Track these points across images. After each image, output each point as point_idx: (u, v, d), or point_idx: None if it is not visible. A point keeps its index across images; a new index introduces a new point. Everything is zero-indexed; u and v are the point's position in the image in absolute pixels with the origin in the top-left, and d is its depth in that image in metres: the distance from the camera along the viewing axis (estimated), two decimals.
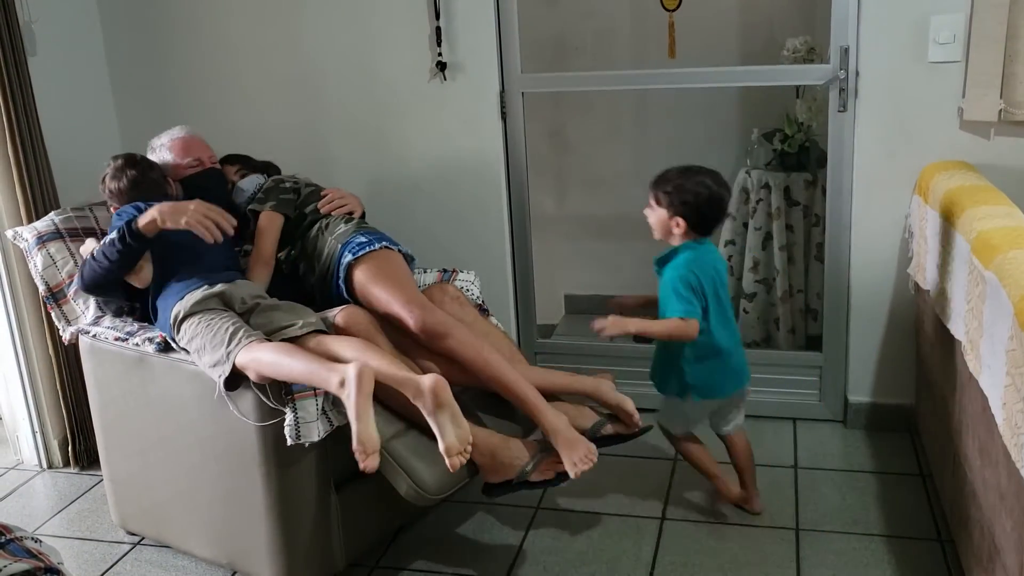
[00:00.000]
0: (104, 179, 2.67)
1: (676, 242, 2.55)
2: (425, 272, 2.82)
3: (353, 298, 2.55)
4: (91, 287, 2.52)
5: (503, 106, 3.17)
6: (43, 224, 2.72)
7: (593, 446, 2.37)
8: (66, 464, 3.19)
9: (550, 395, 2.50)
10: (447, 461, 2.14)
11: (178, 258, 2.51)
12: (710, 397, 2.60)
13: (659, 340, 2.63)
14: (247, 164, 3.00)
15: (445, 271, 2.82)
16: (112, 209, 2.68)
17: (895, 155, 2.86)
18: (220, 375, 2.23)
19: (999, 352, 1.74)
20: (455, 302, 2.62)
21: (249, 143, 3.09)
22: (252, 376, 2.21)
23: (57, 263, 2.66)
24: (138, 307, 2.66)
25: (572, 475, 2.31)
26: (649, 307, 2.59)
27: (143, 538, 2.73)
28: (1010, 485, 1.73)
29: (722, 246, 3.74)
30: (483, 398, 2.48)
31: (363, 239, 2.59)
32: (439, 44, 3.12)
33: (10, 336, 3.07)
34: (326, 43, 3.26)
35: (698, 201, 2.47)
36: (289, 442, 2.20)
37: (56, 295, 2.68)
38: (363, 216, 2.81)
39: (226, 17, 3.34)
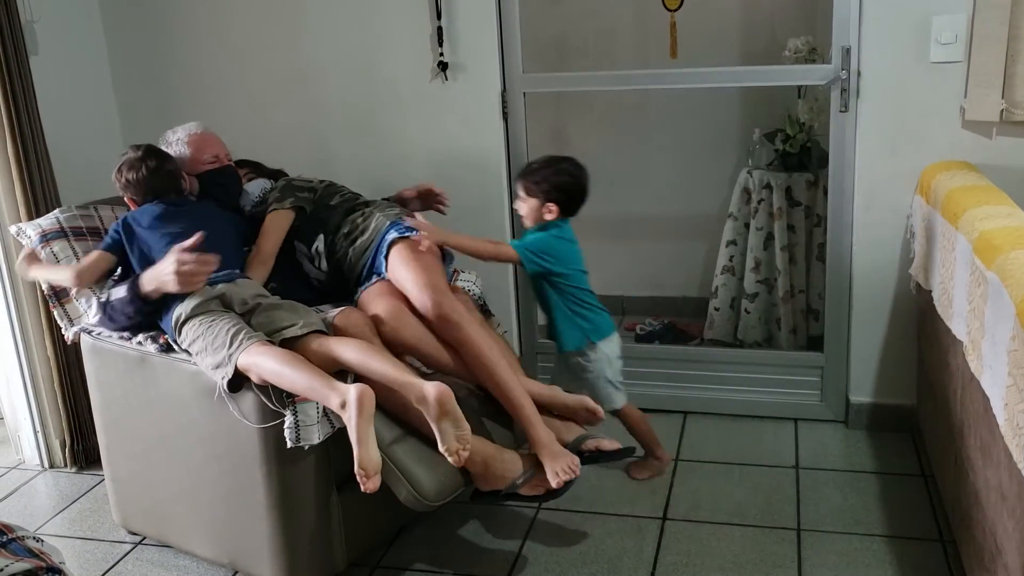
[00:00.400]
0: (120, 169, 2.65)
1: (536, 222, 2.74)
2: None
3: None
4: (121, 330, 2.52)
5: (505, 106, 3.17)
6: (47, 221, 2.71)
7: (576, 459, 2.39)
8: (67, 464, 3.19)
9: (540, 408, 2.51)
10: (449, 459, 2.16)
11: None
12: (606, 335, 2.77)
13: (550, 306, 2.76)
14: (257, 170, 3.01)
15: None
16: (128, 199, 2.67)
17: (897, 155, 2.86)
18: (223, 377, 2.23)
19: (1001, 352, 1.74)
20: (464, 303, 2.62)
21: (251, 142, 3.09)
22: (254, 379, 2.22)
23: (60, 261, 2.65)
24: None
25: (554, 484, 2.33)
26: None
27: (144, 538, 2.73)
28: (1012, 485, 1.73)
29: (724, 246, 3.74)
30: (482, 405, 2.49)
31: (408, 226, 2.64)
32: (441, 44, 3.12)
33: (12, 336, 3.07)
34: (328, 43, 3.26)
35: (567, 187, 2.69)
36: (289, 444, 2.20)
37: (59, 294, 2.69)
38: None
39: (228, 17, 3.34)
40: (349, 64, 3.26)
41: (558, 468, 2.33)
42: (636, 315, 4.17)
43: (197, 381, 2.35)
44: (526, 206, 2.71)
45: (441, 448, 2.16)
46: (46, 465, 3.20)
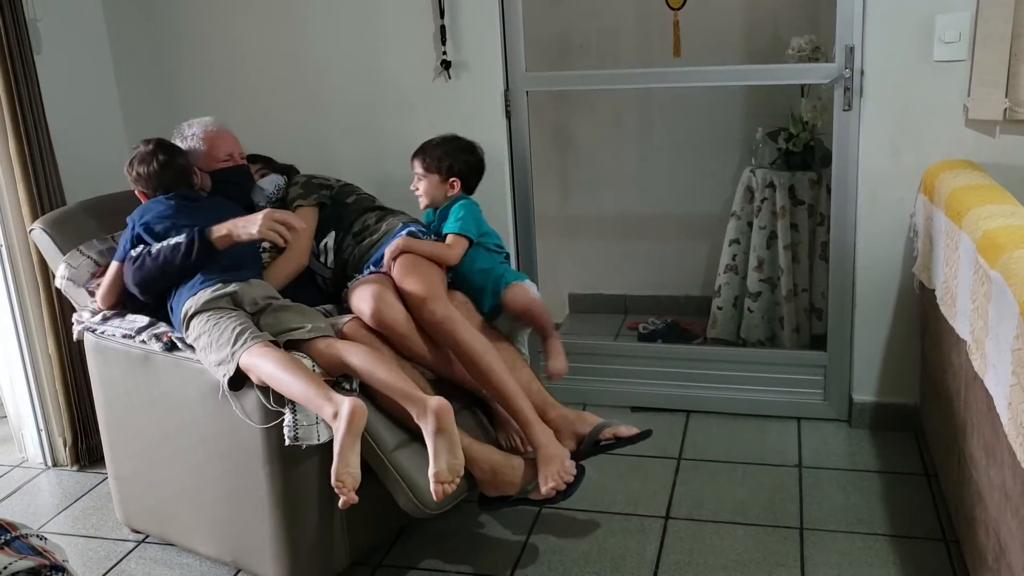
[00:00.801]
0: (132, 162, 2.65)
1: (444, 198, 2.74)
2: None
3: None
4: (142, 285, 2.50)
5: (507, 105, 3.17)
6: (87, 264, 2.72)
7: (571, 465, 2.36)
8: (71, 462, 3.19)
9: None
10: (432, 486, 2.15)
11: None
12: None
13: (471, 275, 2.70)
14: (269, 165, 3.01)
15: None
16: (139, 193, 2.67)
17: (900, 154, 2.85)
18: (224, 374, 2.24)
19: (1004, 351, 1.73)
20: (463, 307, 2.61)
21: (254, 141, 3.09)
22: (253, 379, 2.22)
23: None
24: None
25: (543, 491, 2.31)
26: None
27: (147, 536, 2.73)
28: (1015, 484, 1.73)
29: (727, 245, 3.74)
30: (486, 414, 2.52)
31: (423, 228, 2.67)
32: (443, 43, 3.12)
33: (15, 334, 3.07)
34: (331, 42, 3.26)
35: (468, 161, 2.74)
36: (287, 443, 2.21)
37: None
38: None
39: (231, 16, 3.34)
40: (352, 63, 3.26)
41: (548, 473, 2.32)
42: (639, 314, 4.17)
43: (200, 380, 2.36)
44: (426, 182, 2.72)
45: (430, 471, 2.14)
46: (49, 463, 3.21)
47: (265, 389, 2.22)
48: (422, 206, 2.77)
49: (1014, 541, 1.76)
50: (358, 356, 2.28)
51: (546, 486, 2.30)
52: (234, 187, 2.78)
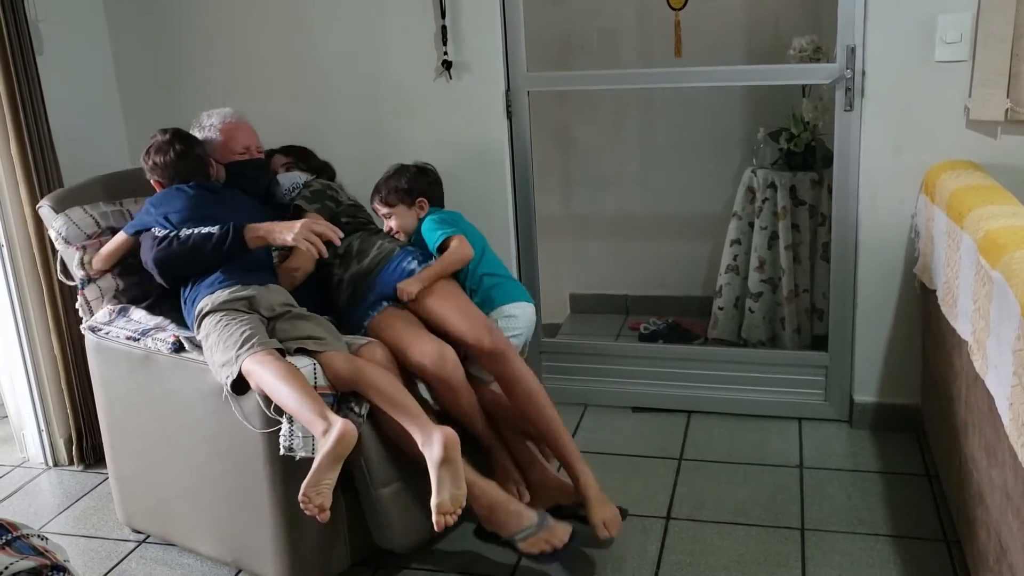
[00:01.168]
0: (148, 152, 2.65)
1: (417, 221, 2.73)
2: None
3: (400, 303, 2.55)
4: (161, 265, 2.48)
5: (508, 105, 3.17)
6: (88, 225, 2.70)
7: (618, 512, 2.46)
8: (72, 462, 3.19)
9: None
10: (434, 517, 2.14)
11: None
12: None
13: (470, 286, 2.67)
14: (302, 159, 2.98)
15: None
16: (154, 183, 2.66)
17: (901, 154, 2.85)
18: (227, 376, 2.24)
19: (1006, 352, 1.73)
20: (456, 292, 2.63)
21: None
22: (252, 385, 2.22)
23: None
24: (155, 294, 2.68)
25: (599, 535, 2.41)
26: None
27: (148, 536, 2.73)
28: (1017, 485, 1.73)
29: (728, 245, 3.74)
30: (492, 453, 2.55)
31: (422, 255, 2.61)
32: (445, 43, 3.12)
33: (16, 334, 3.07)
34: (332, 42, 3.26)
35: (425, 178, 2.75)
36: (281, 452, 2.21)
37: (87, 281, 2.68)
38: None
39: (232, 15, 3.34)
40: (353, 63, 3.26)
41: (605, 518, 2.41)
42: (640, 314, 4.17)
43: (201, 380, 2.36)
44: (397, 216, 2.70)
45: (433, 501, 2.13)
46: (50, 463, 3.21)
47: (265, 397, 2.22)
48: (403, 240, 2.72)
49: (1015, 542, 1.76)
50: (376, 373, 2.28)
51: (604, 532, 2.41)
52: (248, 180, 2.75)
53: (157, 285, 2.59)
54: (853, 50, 2.82)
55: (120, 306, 2.64)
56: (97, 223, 2.70)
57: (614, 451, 3.08)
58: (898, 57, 2.78)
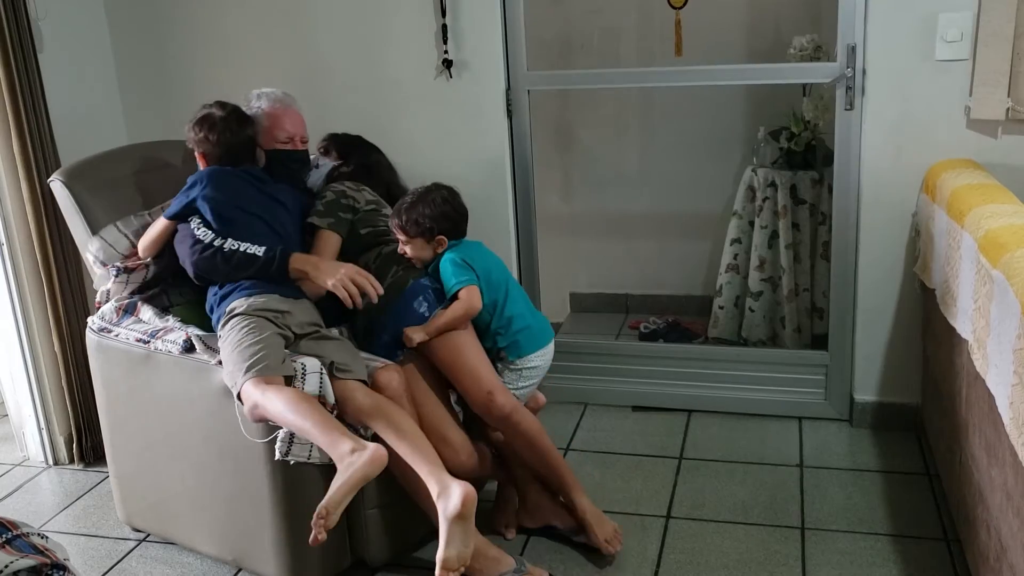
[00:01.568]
0: (200, 123, 2.59)
1: (437, 253, 2.58)
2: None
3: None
4: (202, 272, 2.47)
5: (509, 104, 3.17)
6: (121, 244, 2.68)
7: (618, 527, 2.49)
8: (72, 461, 3.19)
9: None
10: (437, 571, 2.12)
11: None
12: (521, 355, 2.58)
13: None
14: (334, 143, 2.93)
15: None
16: (198, 155, 2.61)
17: (902, 153, 2.85)
18: (233, 385, 2.23)
19: (1006, 351, 1.73)
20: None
21: None
22: (246, 409, 2.19)
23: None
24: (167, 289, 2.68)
25: (604, 552, 2.45)
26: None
27: (149, 535, 2.73)
28: (1017, 484, 1.73)
29: (728, 244, 3.74)
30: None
31: (435, 292, 2.52)
32: (445, 42, 3.12)
33: (16, 333, 3.07)
34: (332, 40, 3.26)
35: (448, 215, 2.54)
36: (277, 456, 2.22)
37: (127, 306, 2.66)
38: None
39: (232, 14, 3.34)
40: (354, 61, 3.26)
41: (607, 535, 2.45)
42: (640, 313, 4.17)
43: (203, 379, 2.36)
44: (413, 247, 2.54)
45: (439, 555, 2.12)
46: (50, 462, 3.21)
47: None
48: (418, 267, 2.58)
49: (1015, 541, 1.76)
50: (398, 416, 2.25)
51: (607, 547, 2.44)
52: (287, 172, 2.69)
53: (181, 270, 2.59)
54: (854, 49, 2.82)
55: (127, 303, 2.62)
56: (132, 243, 2.67)
57: (614, 450, 3.08)
58: (899, 56, 2.78)
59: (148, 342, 2.47)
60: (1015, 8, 2.61)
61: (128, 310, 2.61)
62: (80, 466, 3.18)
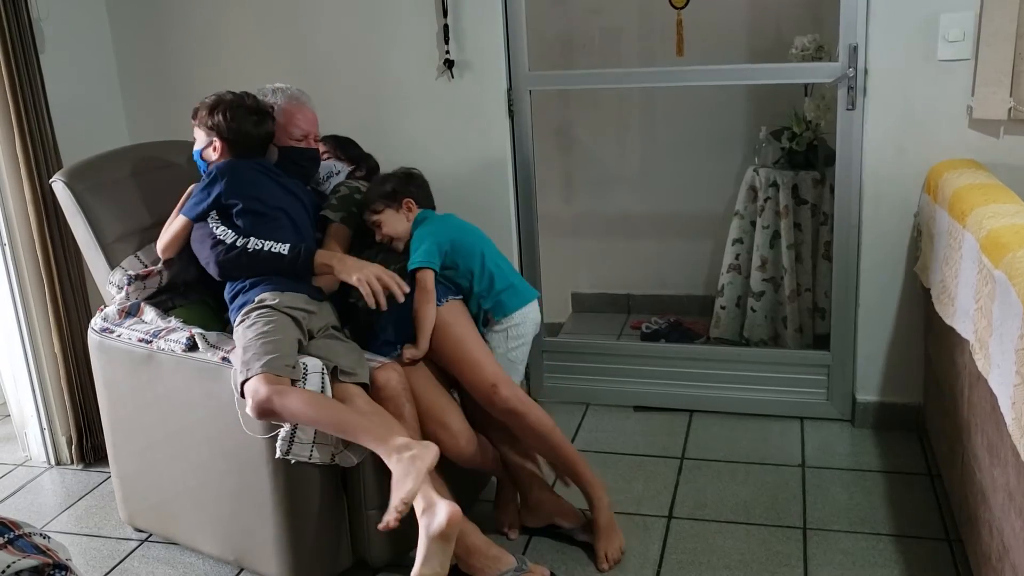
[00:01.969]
0: (219, 109, 2.54)
1: (409, 224, 2.62)
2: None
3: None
4: (226, 271, 2.45)
5: (511, 104, 3.17)
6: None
7: (623, 543, 2.48)
8: (74, 461, 3.19)
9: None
10: None
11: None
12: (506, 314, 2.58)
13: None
14: (340, 149, 2.92)
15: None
16: (215, 143, 2.55)
17: (904, 153, 2.85)
18: (239, 375, 2.21)
19: (1008, 351, 1.73)
20: (460, 314, 2.56)
21: None
22: (251, 399, 2.16)
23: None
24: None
25: (598, 566, 2.44)
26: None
27: (150, 535, 2.74)
28: (1019, 484, 1.73)
29: (729, 244, 3.74)
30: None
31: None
32: (447, 42, 3.12)
33: (18, 333, 3.07)
34: (334, 40, 3.26)
35: (406, 177, 2.66)
36: (278, 454, 2.22)
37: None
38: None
39: (234, 14, 3.34)
40: (355, 62, 3.26)
41: (609, 550, 2.45)
42: (641, 313, 4.18)
43: (204, 379, 2.36)
44: (385, 225, 2.58)
45: (415, 572, 2.11)
46: (52, 462, 3.21)
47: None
48: (400, 249, 2.60)
49: (1018, 541, 1.76)
50: (397, 425, 2.25)
51: (604, 564, 2.43)
52: (298, 169, 2.68)
53: (197, 271, 2.58)
54: (855, 49, 2.82)
55: (130, 304, 2.62)
56: (144, 263, 2.68)
57: (616, 450, 3.08)
58: (900, 56, 2.78)
59: (150, 342, 2.47)
60: (1017, 8, 2.61)
61: (131, 312, 2.61)
62: (82, 466, 3.18)
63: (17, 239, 2.98)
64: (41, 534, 1.56)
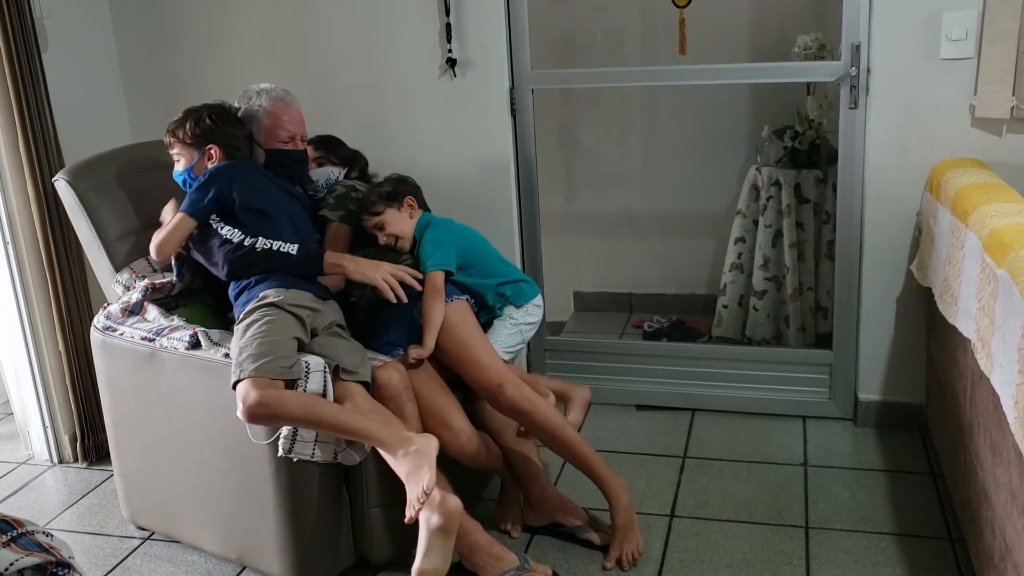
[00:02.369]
0: (198, 114, 2.54)
1: (413, 223, 2.63)
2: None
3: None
4: (232, 267, 2.44)
5: (513, 103, 3.17)
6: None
7: (641, 541, 2.47)
8: (77, 459, 3.20)
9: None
10: None
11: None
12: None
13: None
14: (332, 152, 2.91)
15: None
16: (212, 149, 2.53)
17: (906, 152, 2.85)
18: (232, 375, 2.22)
19: (1011, 350, 1.73)
20: (464, 313, 2.57)
21: None
22: (243, 410, 2.16)
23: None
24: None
25: (605, 564, 2.43)
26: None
27: (153, 533, 2.74)
28: (1021, 484, 1.73)
29: (732, 243, 3.73)
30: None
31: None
32: (449, 40, 3.12)
33: (21, 332, 3.08)
34: (336, 38, 3.26)
35: (400, 180, 2.68)
36: (280, 452, 2.22)
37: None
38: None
39: (236, 12, 3.35)
40: (358, 60, 3.26)
41: (627, 549, 2.43)
42: (644, 312, 4.18)
43: (207, 377, 2.36)
44: (389, 225, 2.58)
45: (416, 567, 2.13)
46: (55, 460, 3.21)
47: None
48: (406, 248, 2.61)
49: (1020, 540, 1.76)
50: (397, 423, 2.26)
51: (611, 562, 2.42)
52: (287, 172, 2.66)
53: (203, 279, 2.60)
54: (858, 48, 2.82)
55: (133, 303, 2.63)
56: (153, 268, 2.69)
57: (618, 449, 3.08)
58: (903, 55, 2.78)
59: (153, 340, 2.47)
60: (1020, 6, 2.60)
61: (134, 310, 2.61)
62: (84, 464, 3.19)
63: (20, 238, 2.99)
64: (44, 532, 1.57)
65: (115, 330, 2.57)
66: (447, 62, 3.14)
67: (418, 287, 2.44)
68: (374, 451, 2.27)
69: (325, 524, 2.35)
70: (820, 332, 3.65)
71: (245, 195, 2.48)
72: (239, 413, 2.18)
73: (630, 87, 3.99)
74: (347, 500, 2.38)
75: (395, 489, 2.34)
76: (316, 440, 2.23)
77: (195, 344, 2.40)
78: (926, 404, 2.99)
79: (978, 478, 2.11)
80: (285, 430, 2.21)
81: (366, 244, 2.64)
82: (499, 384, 2.42)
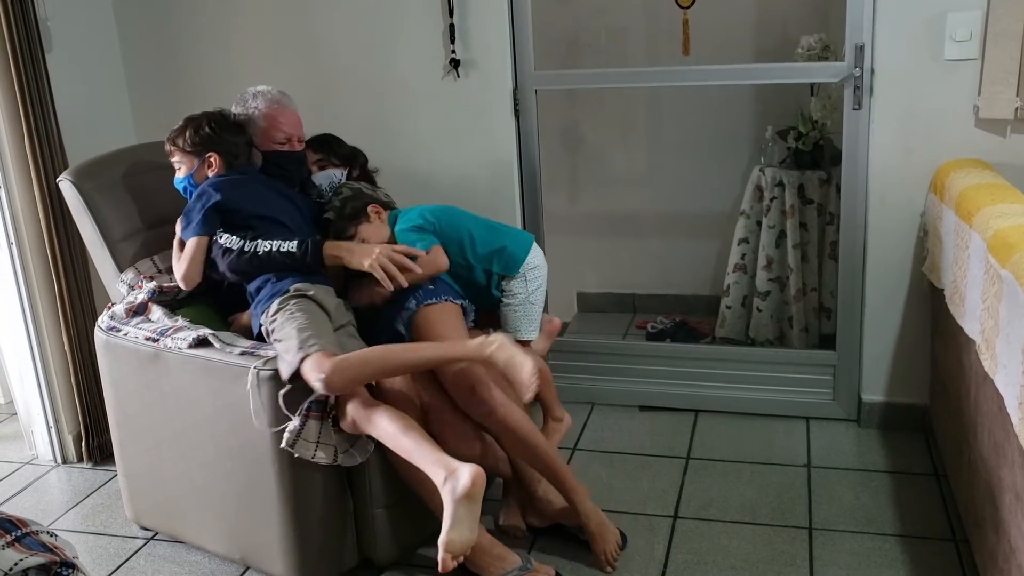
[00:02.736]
0: (198, 122, 2.55)
1: (386, 225, 2.62)
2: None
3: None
4: (240, 274, 2.46)
5: (516, 103, 3.17)
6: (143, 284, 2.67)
7: (620, 538, 2.47)
8: (80, 459, 3.20)
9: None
10: (440, 554, 2.03)
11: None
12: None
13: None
14: (331, 153, 2.88)
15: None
16: (212, 158, 2.54)
17: (910, 153, 2.84)
18: (295, 353, 2.19)
19: (1015, 351, 1.73)
20: (454, 317, 2.55)
21: None
22: (323, 381, 2.13)
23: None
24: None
25: (601, 567, 2.42)
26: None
27: (157, 533, 2.74)
28: None
29: (736, 244, 3.73)
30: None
31: (429, 286, 2.52)
32: (452, 41, 3.13)
33: (26, 332, 3.08)
34: (339, 39, 3.27)
35: (362, 191, 2.65)
36: (282, 444, 2.22)
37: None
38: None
39: (239, 13, 3.35)
40: (361, 61, 3.27)
41: (608, 549, 2.43)
42: (647, 313, 4.17)
43: (210, 377, 2.36)
44: (369, 236, 2.57)
45: (443, 537, 2.03)
46: (59, 460, 3.22)
47: (286, 394, 2.21)
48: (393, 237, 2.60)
49: None
50: (401, 415, 2.22)
51: (603, 562, 2.42)
52: (284, 173, 2.66)
53: (204, 284, 2.59)
54: (862, 48, 2.82)
55: (138, 303, 2.63)
56: (158, 268, 2.70)
57: (621, 450, 3.08)
58: (907, 55, 2.78)
59: (157, 340, 2.47)
60: None
61: (138, 310, 2.62)
62: (88, 464, 3.19)
63: (24, 238, 2.99)
64: (48, 532, 1.57)
65: (119, 330, 2.57)
66: (451, 63, 3.15)
67: (416, 268, 2.42)
68: (377, 452, 2.27)
69: (329, 525, 2.35)
70: (824, 333, 3.65)
71: (241, 203, 2.50)
72: (318, 384, 2.14)
73: (634, 88, 3.98)
74: (351, 501, 2.38)
75: (398, 490, 2.35)
76: (318, 442, 2.23)
77: (199, 343, 2.40)
78: (930, 405, 2.99)
79: (982, 479, 2.11)
80: (291, 424, 2.21)
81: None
82: (471, 386, 2.37)
